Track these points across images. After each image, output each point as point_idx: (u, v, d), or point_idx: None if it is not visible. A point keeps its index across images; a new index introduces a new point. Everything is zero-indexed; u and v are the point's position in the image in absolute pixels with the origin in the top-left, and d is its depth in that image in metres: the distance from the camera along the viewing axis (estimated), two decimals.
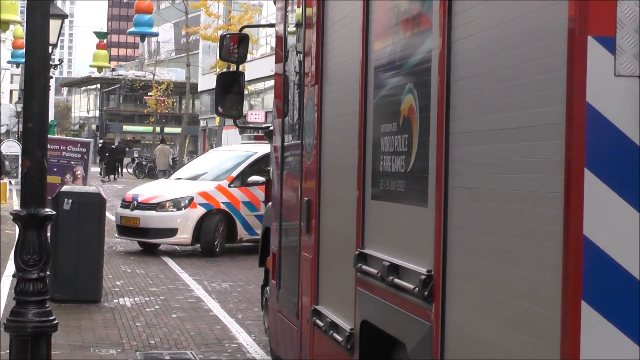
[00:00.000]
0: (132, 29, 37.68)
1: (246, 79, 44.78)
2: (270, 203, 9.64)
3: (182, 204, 18.65)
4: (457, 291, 4.39)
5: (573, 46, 3.38)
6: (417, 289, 4.71)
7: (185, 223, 18.40)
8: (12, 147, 38.60)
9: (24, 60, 6.59)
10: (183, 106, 65.73)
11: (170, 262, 17.57)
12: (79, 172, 18.73)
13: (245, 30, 11.56)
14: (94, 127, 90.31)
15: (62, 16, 24.08)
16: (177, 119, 76.94)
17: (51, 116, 51.84)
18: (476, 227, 4.24)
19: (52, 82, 48.98)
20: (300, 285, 7.74)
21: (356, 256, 5.86)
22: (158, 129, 67.47)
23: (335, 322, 6.49)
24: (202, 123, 74.42)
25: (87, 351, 9.84)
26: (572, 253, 3.37)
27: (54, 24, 22.17)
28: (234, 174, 19.11)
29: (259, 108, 59.14)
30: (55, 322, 6.07)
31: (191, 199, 18.58)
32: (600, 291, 3.40)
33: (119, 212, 19.46)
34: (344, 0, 6.71)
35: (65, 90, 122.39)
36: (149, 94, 64.23)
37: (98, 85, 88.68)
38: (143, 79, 72.25)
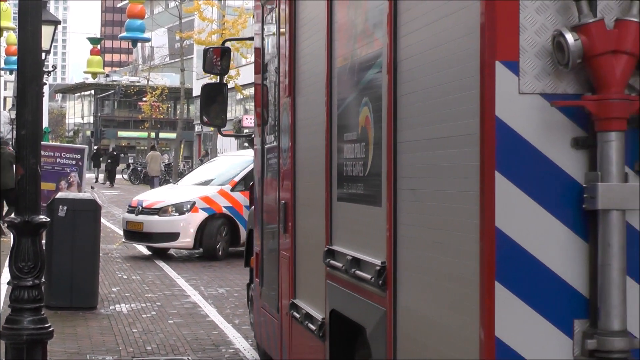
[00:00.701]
0: (124, 34, 37.25)
1: (241, 83, 44.46)
2: (253, 206, 10.48)
3: (184, 209, 19.14)
4: (405, 278, 5.23)
5: (484, 69, 4.20)
6: (373, 278, 5.56)
7: (187, 227, 18.92)
8: None
9: (16, 67, 6.61)
10: (178, 111, 66.88)
11: (167, 268, 17.63)
12: (73, 178, 18.79)
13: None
14: (88, 133, 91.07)
15: (55, 22, 24.02)
16: (172, 125, 77.63)
17: (45, 123, 52.87)
18: (418, 223, 5.09)
19: (45, 89, 49.32)
20: (280, 282, 8.66)
21: (325, 252, 6.74)
22: (153, 134, 68.02)
23: (310, 313, 7.36)
24: (197, 128, 75.09)
25: (83, 358, 9.88)
26: (486, 242, 4.16)
27: (46, 30, 22.24)
28: (237, 178, 19.56)
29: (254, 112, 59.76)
30: (51, 329, 6.10)
31: (193, 204, 19.05)
32: (510, 273, 4.18)
33: (125, 217, 20.10)
34: (311, 21, 7.59)
35: (59, 96, 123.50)
36: (144, 99, 65.22)
37: (92, 92, 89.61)
38: (137, 84, 73.17)
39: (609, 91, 4.09)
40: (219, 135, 56.08)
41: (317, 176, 7.30)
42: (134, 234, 19.38)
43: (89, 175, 56.32)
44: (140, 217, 19.12)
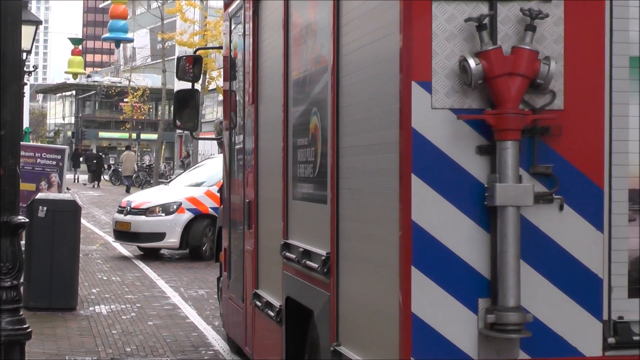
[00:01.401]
0: (107, 35, 37.31)
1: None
2: (222, 205, 11.20)
3: (171, 209, 19.55)
4: (345, 266, 5.91)
5: (402, 88, 4.89)
6: (319, 267, 6.28)
7: (173, 227, 19.30)
8: None
9: None
10: (159, 112, 66.19)
11: (147, 269, 17.77)
12: (53, 179, 18.44)
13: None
14: (69, 133, 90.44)
15: (36, 22, 23.80)
16: (154, 125, 77.04)
17: (26, 123, 52.28)
18: (355, 218, 5.76)
19: (26, 89, 49.27)
20: (245, 274, 9.36)
21: (281, 246, 7.47)
22: (134, 135, 67.45)
23: (269, 302, 8.07)
24: (179, 129, 74.46)
25: (62, 359, 9.87)
26: (404, 233, 4.83)
27: (27, 30, 22.05)
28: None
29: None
30: (29, 330, 5.95)
31: (179, 204, 19.50)
32: (424, 259, 4.85)
33: (115, 217, 20.60)
34: (271, 37, 8.31)
35: (40, 96, 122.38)
36: (125, 100, 64.38)
37: (73, 92, 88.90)
38: (119, 85, 72.61)
39: (506, 107, 4.77)
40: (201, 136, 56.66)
41: (276, 177, 7.95)
42: (122, 233, 19.82)
43: (69, 176, 57.30)
44: (128, 217, 19.56)
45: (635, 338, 5.05)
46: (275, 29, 8.03)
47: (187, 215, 19.13)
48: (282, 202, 7.81)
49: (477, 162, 4.91)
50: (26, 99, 59.35)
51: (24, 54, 22.92)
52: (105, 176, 58.76)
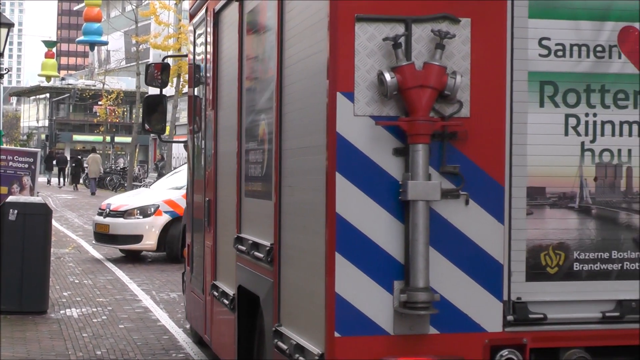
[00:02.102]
0: (81, 38, 37.52)
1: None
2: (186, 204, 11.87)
3: (149, 212, 19.84)
4: (286, 255, 6.54)
5: (329, 97, 5.51)
6: (264, 257, 6.96)
7: (150, 230, 19.61)
8: None
9: None
10: (134, 115, 65.96)
11: (119, 272, 17.89)
12: (26, 182, 18.64)
13: None
14: (43, 136, 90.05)
15: (9, 25, 23.75)
16: (128, 128, 76.39)
17: None
18: (294, 212, 6.39)
19: (0, 91, 49.14)
20: (205, 267, 9.94)
21: (235, 239, 8.12)
22: (108, 138, 67.29)
23: (225, 291, 8.70)
24: (147, 133, 74.29)
25: None
26: (329, 223, 5.48)
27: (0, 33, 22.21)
28: None
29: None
30: None
31: (157, 207, 19.82)
32: (347, 246, 5.49)
33: (95, 219, 21.01)
34: (228, 49, 8.87)
35: (14, 99, 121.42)
36: (99, 103, 63.76)
37: (47, 95, 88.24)
38: (93, 88, 71.98)
39: (417, 115, 5.42)
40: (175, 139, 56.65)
41: (231, 177, 8.56)
42: (102, 235, 20.12)
43: (42, 179, 57.13)
44: (107, 220, 19.91)
45: (531, 316, 5.70)
46: (232, 41, 8.63)
47: (164, 218, 19.40)
48: (236, 200, 8.42)
49: (393, 162, 5.54)
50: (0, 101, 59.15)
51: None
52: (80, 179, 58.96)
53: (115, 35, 65.35)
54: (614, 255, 5.91)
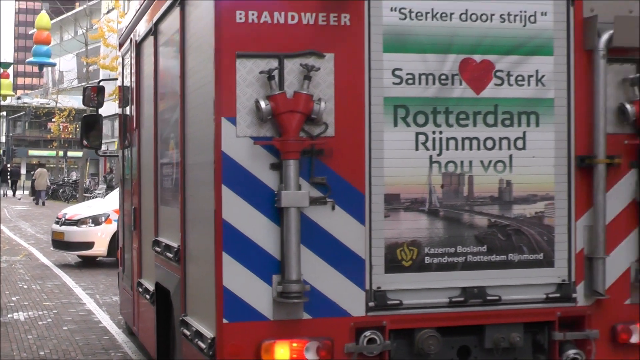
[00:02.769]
0: (31, 59, 37.11)
1: None
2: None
3: (100, 220, 19.85)
4: (189, 255, 6.91)
5: (215, 122, 5.90)
6: (173, 257, 7.33)
7: (101, 237, 19.59)
8: None
9: None
10: None
11: (66, 278, 17.73)
12: None
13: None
14: (0, 152, 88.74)
15: None
16: (80, 144, 75.33)
17: None
18: (194, 219, 6.72)
19: None
20: (133, 267, 10.16)
21: (152, 242, 8.44)
22: (61, 153, 66.33)
23: (147, 287, 8.98)
24: (103, 147, 73.14)
25: None
26: (217, 227, 5.87)
27: None
28: None
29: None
30: None
31: (107, 216, 19.77)
32: (232, 246, 5.87)
33: (52, 228, 20.90)
34: (147, 76, 9.09)
35: None
36: (53, 120, 62.88)
37: (4, 113, 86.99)
38: (47, 106, 70.84)
39: (288, 135, 5.81)
40: None
41: (151, 187, 8.80)
42: (58, 242, 20.09)
43: None
44: (62, 228, 19.89)
45: (389, 302, 6.10)
46: (149, 70, 8.88)
47: (114, 226, 18.97)
48: (154, 207, 8.67)
49: (270, 175, 5.91)
50: None
51: None
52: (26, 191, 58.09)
53: (67, 57, 64.53)
54: (459, 250, 6.30)
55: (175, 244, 7.41)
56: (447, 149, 6.32)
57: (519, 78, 6.44)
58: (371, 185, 6.15)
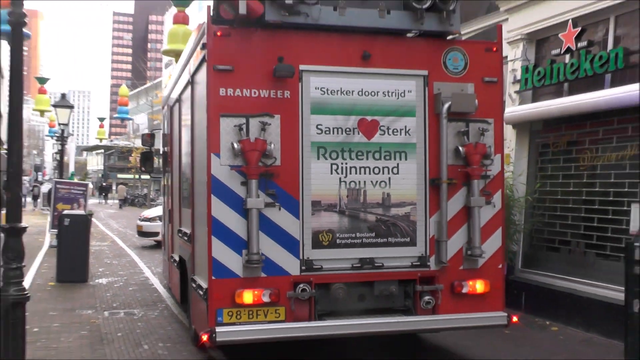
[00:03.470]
0: (116, 115, 36.87)
1: None
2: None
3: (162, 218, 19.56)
4: (196, 237, 6.83)
5: (207, 156, 5.93)
6: (187, 238, 7.40)
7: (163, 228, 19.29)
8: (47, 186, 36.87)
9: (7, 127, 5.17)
10: None
11: (134, 256, 17.45)
12: (81, 202, 18.37)
13: None
14: (100, 175, 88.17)
15: (70, 107, 21.53)
16: (140, 170, 74.29)
17: (72, 168, 49.48)
18: (198, 215, 6.65)
19: (72, 148, 46.91)
20: (168, 246, 10.03)
21: (177, 230, 8.48)
22: (137, 176, 65.83)
23: (175, 258, 8.89)
24: (144, 173, 72.10)
25: (73, 312, 9.69)
26: (209, 221, 5.89)
27: (64, 112, 20.96)
28: None
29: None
30: (28, 295, 5.20)
31: None
32: (218, 232, 5.89)
33: (137, 223, 20.50)
34: (175, 127, 9.03)
35: (85, 153, 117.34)
36: (132, 155, 62.37)
37: (102, 150, 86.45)
38: (128, 146, 70.62)
39: (251, 165, 5.92)
40: None
41: (177, 197, 8.86)
42: (140, 232, 19.83)
43: (96, 201, 55.11)
44: (142, 223, 19.71)
45: (314, 267, 6.18)
46: (176, 123, 8.92)
47: None
48: (178, 209, 8.71)
49: (240, 188, 5.97)
50: (72, 154, 56.80)
51: (62, 126, 21.54)
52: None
53: (141, 115, 64.50)
54: (357, 235, 6.33)
55: (188, 231, 7.42)
56: (350, 173, 6.29)
57: (395, 130, 6.42)
58: (303, 195, 6.16)
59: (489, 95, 6.58)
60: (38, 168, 76.52)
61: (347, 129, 6.30)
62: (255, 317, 5.90)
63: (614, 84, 8.63)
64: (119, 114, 34.16)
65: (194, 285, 6.88)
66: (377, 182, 6.36)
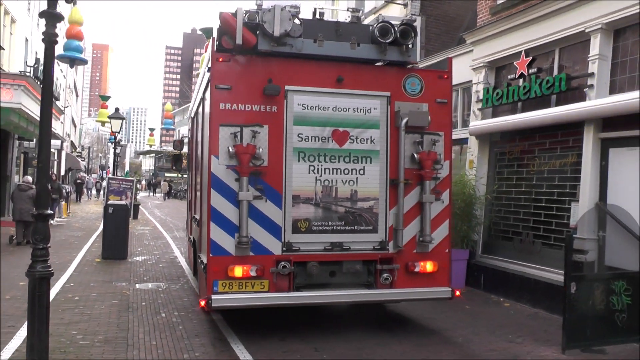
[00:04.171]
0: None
1: None
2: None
3: None
4: (202, 223, 6.63)
5: (209, 158, 5.84)
6: (197, 223, 7.36)
7: None
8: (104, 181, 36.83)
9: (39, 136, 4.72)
10: None
11: (168, 239, 17.23)
12: (129, 194, 18.23)
13: None
14: (151, 174, 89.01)
15: (121, 118, 21.40)
16: (171, 169, 73.90)
17: (127, 168, 49.63)
18: (203, 204, 6.57)
19: (129, 151, 46.60)
20: (188, 230, 9.95)
21: (193, 217, 8.42)
22: (180, 175, 66.12)
23: (191, 239, 8.83)
24: (174, 171, 71.17)
25: (110, 284, 9.61)
26: (208, 209, 5.86)
27: (116, 122, 20.85)
28: None
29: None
30: (52, 271, 4.93)
31: None
32: (215, 218, 5.82)
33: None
34: (194, 134, 9.00)
35: (141, 156, 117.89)
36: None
37: (154, 154, 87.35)
38: (175, 152, 70.78)
39: (243, 165, 5.98)
40: None
41: (193, 190, 8.90)
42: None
43: (146, 194, 55.33)
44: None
45: (293, 248, 6.21)
46: (194, 132, 8.98)
47: None
48: (193, 200, 8.86)
49: (234, 184, 6.03)
50: (128, 156, 56.64)
51: (117, 134, 21.38)
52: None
53: (185, 126, 65.10)
54: (329, 223, 6.38)
55: (198, 217, 7.49)
56: (325, 173, 6.31)
57: (362, 139, 6.45)
58: (285, 190, 6.19)
59: (441, 113, 6.64)
60: (103, 167, 77.29)
61: (323, 138, 6.33)
62: (244, 288, 5.92)
63: (559, 103, 8.74)
64: (164, 125, 34.36)
65: (199, 260, 6.95)
66: (346, 180, 6.36)
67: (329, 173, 6.33)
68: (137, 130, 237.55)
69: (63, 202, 21.66)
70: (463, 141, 11.15)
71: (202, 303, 5.85)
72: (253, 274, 5.97)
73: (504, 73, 10.24)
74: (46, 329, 4.66)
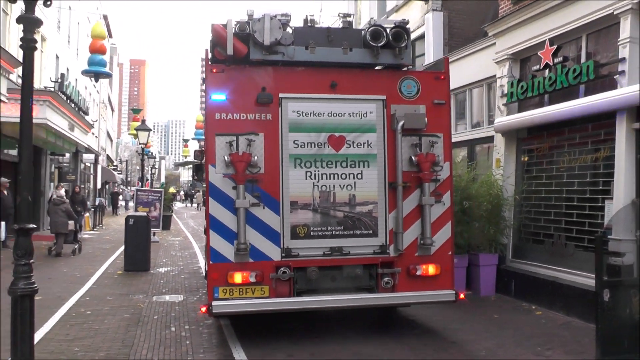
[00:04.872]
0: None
1: None
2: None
3: None
4: (210, 230, 6.46)
5: (206, 167, 6.16)
6: (204, 231, 7.30)
7: None
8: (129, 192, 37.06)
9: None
10: None
11: (196, 249, 17.48)
12: (157, 205, 18.84)
13: None
14: (189, 184, 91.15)
15: (148, 130, 21.79)
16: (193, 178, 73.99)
17: (162, 179, 50.76)
18: (206, 214, 6.50)
19: (164, 163, 46.39)
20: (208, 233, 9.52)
21: (205, 226, 7.34)
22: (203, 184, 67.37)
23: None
24: (196, 181, 70.86)
25: (126, 297, 9.76)
26: (207, 217, 6.26)
27: (143, 134, 21.65)
28: None
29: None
30: (36, 288, 4.88)
31: None
32: (215, 226, 6.21)
33: None
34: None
35: (180, 168, 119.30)
36: None
37: (191, 165, 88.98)
38: (195, 162, 71.56)
39: (239, 173, 6.41)
40: None
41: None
42: None
43: (182, 205, 57.21)
44: None
45: (293, 254, 6.58)
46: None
47: None
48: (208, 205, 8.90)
49: (232, 192, 6.47)
50: (163, 168, 57.71)
51: (143, 145, 22.03)
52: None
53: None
54: (328, 228, 6.74)
55: (204, 223, 7.74)
56: (322, 179, 6.67)
57: (359, 144, 6.80)
58: (283, 197, 6.60)
59: (439, 114, 6.96)
60: (141, 179, 79.99)
61: (319, 143, 6.68)
62: (244, 294, 6.34)
63: (587, 93, 8.77)
64: (196, 135, 35.22)
65: (202, 269, 7.49)
66: (344, 185, 6.70)
67: (327, 178, 6.67)
68: (175, 142, 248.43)
69: (86, 215, 22.57)
70: (489, 140, 11.31)
71: (204, 309, 6.37)
72: (252, 279, 6.39)
73: (529, 65, 10.33)
74: (30, 350, 4.69)
